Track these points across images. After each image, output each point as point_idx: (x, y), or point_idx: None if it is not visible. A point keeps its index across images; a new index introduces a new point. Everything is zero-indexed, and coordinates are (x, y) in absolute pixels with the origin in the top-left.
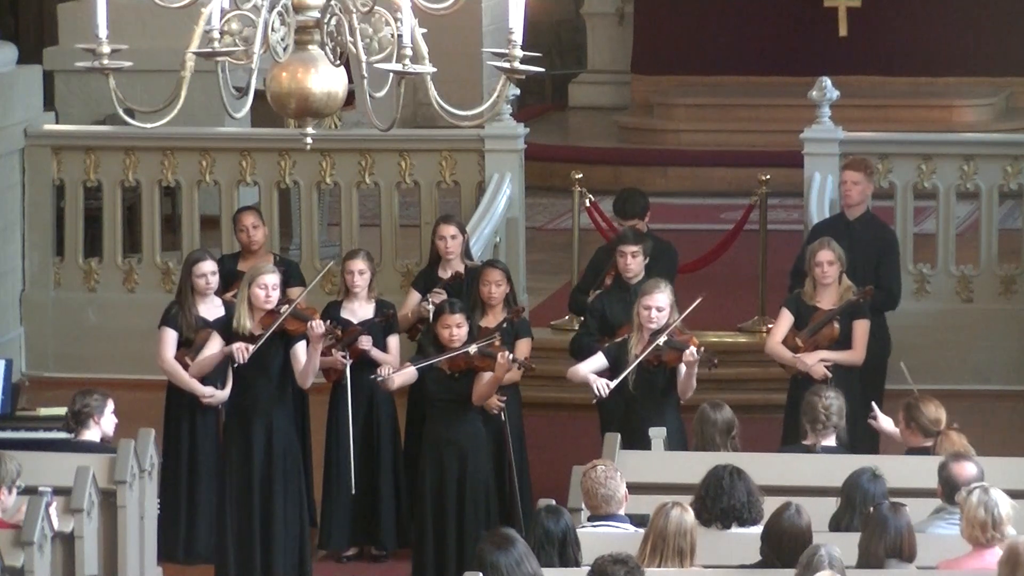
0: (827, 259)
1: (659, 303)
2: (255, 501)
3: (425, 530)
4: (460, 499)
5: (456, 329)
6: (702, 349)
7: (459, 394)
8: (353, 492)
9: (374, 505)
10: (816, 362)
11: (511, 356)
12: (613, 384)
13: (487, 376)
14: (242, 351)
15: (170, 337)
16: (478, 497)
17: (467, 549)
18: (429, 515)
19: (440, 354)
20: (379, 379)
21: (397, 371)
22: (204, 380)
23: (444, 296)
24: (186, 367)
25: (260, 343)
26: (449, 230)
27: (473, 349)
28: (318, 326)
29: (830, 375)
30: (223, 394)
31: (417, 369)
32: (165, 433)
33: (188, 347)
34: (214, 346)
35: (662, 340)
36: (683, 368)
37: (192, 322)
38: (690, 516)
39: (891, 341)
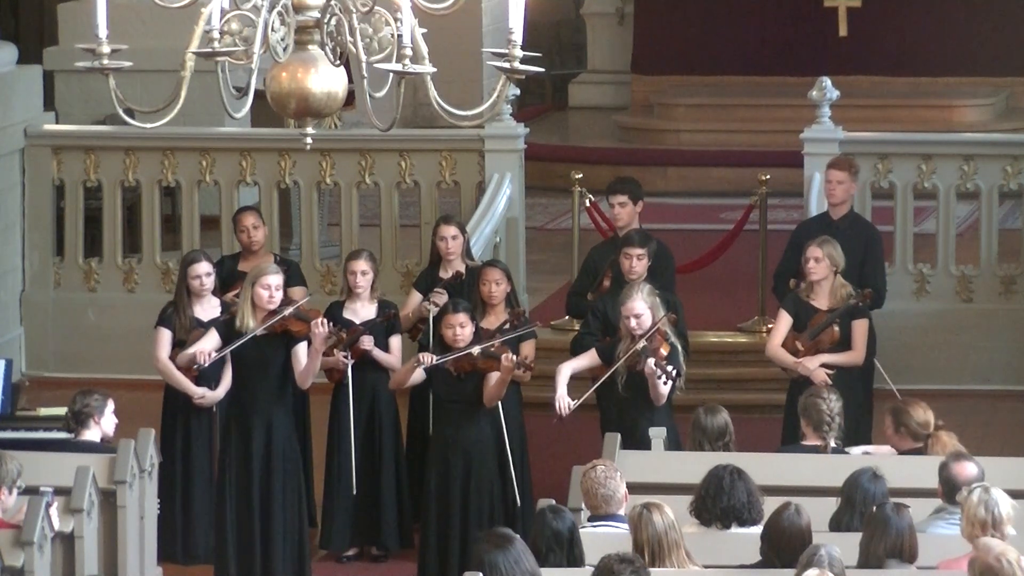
0: (814, 256)
1: (635, 310)
2: (254, 501)
3: (429, 531)
4: (464, 500)
5: (460, 329)
6: (663, 362)
7: (465, 395)
8: (354, 492)
9: (375, 505)
10: (817, 367)
11: (514, 357)
12: (575, 405)
13: (495, 377)
14: (204, 355)
15: (165, 337)
16: (482, 498)
17: (471, 550)
18: (433, 516)
19: (445, 355)
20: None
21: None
22: (198, 380)
23: (445, 296)
24: (179, 367)
25: (229, 348)
26: (450, 230)
27: (476, 351)
28: (322, 328)
29: (830, 382)
30: (215, 395)
31: (424, 370)
32: (161, 434)
33: (182, 347)
34: (206, 341)
35: (640, 346)
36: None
37: (186, 323)
38: (667, 508)
39: (877, 341)
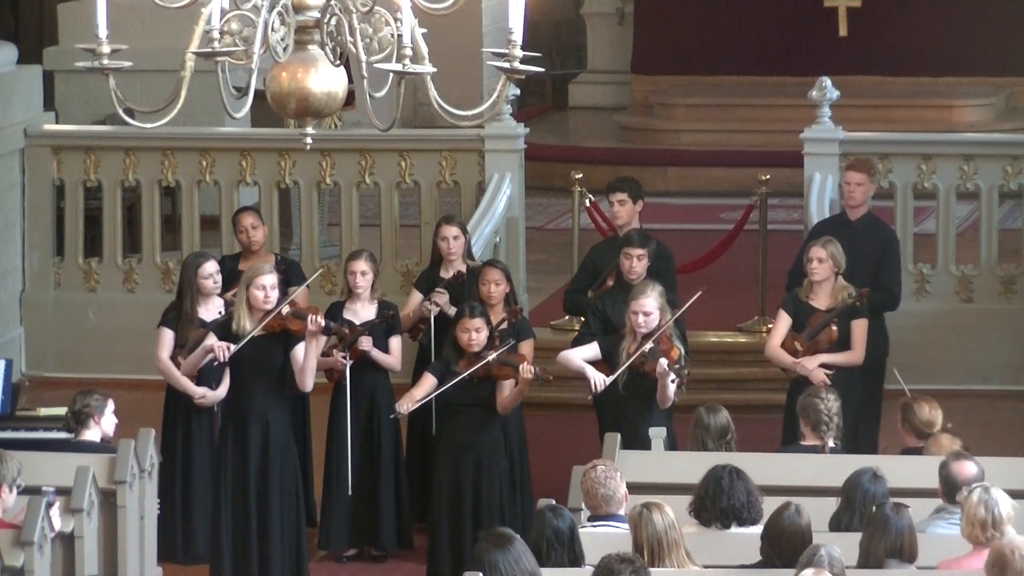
0: (817, 256)
1: (646, 308)
2: (251, 501)
3: (441, 535)
4: (476, 504)
5: (475, 333)
6: (676, 365)
7: (479, 399)
8: (350, 493)
9: (374, 506)
10: (816, 367)
11: (532, 368)
12: (609, 380)
13: (509, 385)
14: (223, 349)
15: (167, 337)
16: (493, 502)
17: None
18: (445, 519)
19: (459, 358)
20: (395, 416)
21: (414, 399)
22: (199, 380)
23: (446, 296)
24: (179, 367)
25: (243, 342)
26: (451, 231)
27: (492, 357)
28: (315, 321)
29: (828, 383)
30: (216, 395)
31: (436, 375)
32: (162, 434)
33: (183, 347)
34: (197, 356)
35: (648, 347)
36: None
37: (190, 323)
38: (667, 508)
39: (889, 342)
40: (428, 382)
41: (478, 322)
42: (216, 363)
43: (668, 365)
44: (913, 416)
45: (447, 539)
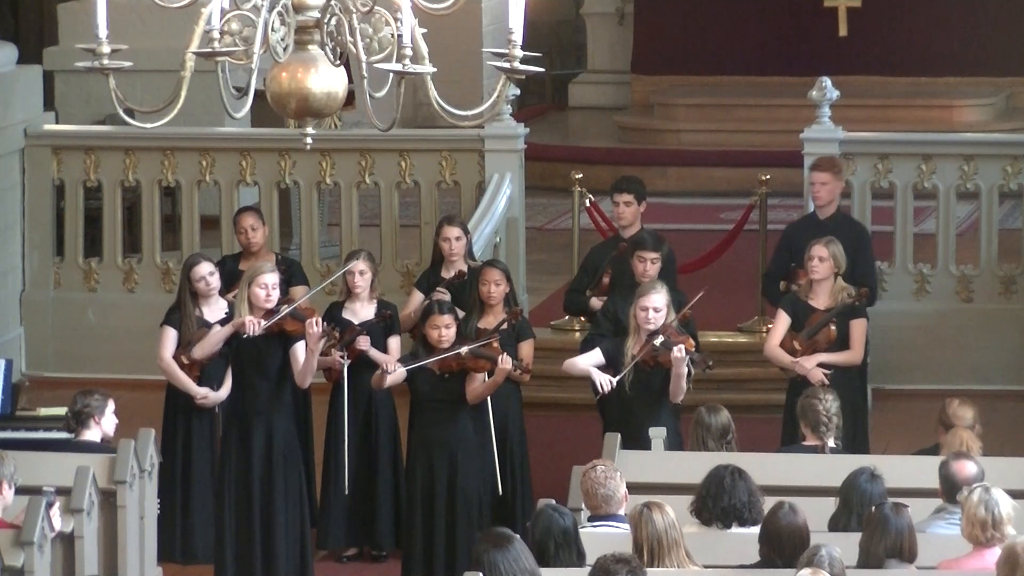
0: (818, 255)
1: (656, 304)
2: (255, 502)
3: (414, 530)
4: (450, 500)
5: (444, 330)
6: (693, 352)
7: (449, 395)
8: (347, 492)
9: (371, 505)
10: (814, 366)
11: (510, 360)
12: (616, 380)
13: (480, 377)
14: (254, 324)
15: (170, 336)
16: (469, 498)
17: (457, 550)
18: (419, 515)
19: (430, 355)
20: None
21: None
22: (201, 381)
23: (448, 296)
24: (183, 366)
25: (269, 324)
26: (453, 232)
27: (465, 350)
28: (315, 326)
29: (827, 382)
30: (217, 395)
31: (407, 370)
32: (162, 434)
33: (187, 346)
34: (220, 332)
35: (658, 341)
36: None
37: (193, 326)
38: (668, 508)
39: (870, 341)
40: (398, 372)
41: (447, 319)
42: (246, 336)
43: (684, 350)
44: (944, 411)
45: (420, 536)
